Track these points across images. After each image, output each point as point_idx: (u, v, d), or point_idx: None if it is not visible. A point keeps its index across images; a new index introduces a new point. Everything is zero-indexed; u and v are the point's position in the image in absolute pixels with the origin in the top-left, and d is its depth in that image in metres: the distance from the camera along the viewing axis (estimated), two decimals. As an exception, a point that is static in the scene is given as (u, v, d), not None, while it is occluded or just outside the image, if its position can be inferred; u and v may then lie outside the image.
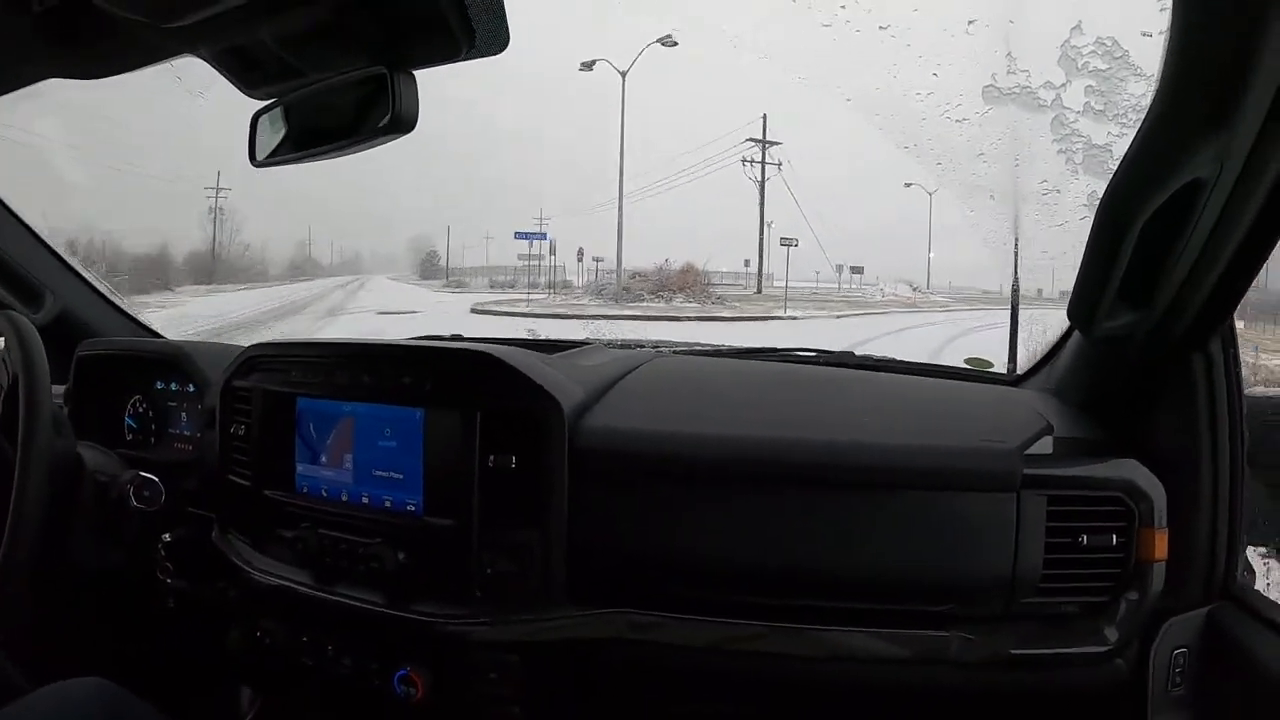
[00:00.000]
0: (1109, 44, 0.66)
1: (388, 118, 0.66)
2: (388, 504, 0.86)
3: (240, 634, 0.94)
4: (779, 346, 1.20)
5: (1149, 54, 0.58)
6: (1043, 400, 0.92)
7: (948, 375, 1.09)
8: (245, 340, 1.13)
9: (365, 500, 0.88)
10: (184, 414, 1.21)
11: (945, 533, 0.76)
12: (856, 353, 1.17)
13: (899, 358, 1.15)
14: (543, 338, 1.41)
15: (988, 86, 0.80)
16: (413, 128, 0.67)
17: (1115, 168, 0.65)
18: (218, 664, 0.98)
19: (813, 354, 1.17)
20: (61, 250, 1.32)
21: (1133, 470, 0.77)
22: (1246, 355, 0.83)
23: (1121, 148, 0.64)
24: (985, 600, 0.76)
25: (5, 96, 0.90)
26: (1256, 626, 0.74)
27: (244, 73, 0.73)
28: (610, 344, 1.20)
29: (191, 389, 1.18)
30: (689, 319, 11.51)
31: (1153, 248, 0.66)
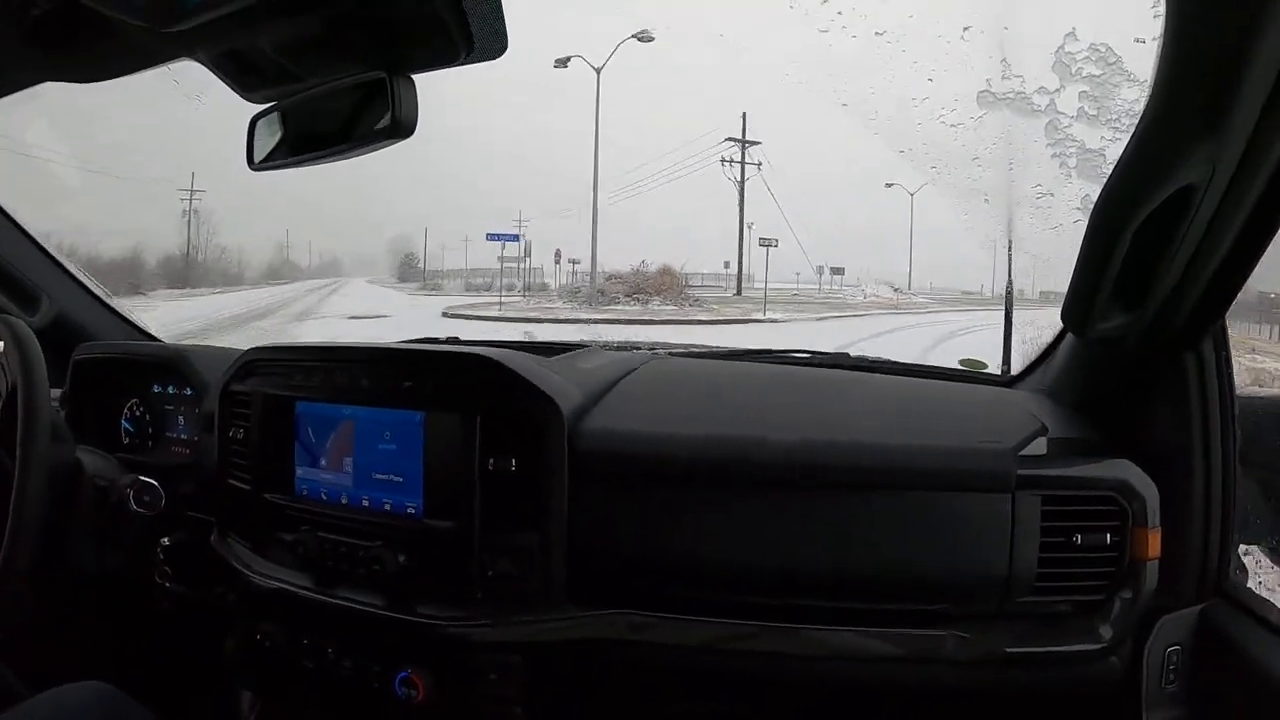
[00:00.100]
0: (1102, 50, 0.67)
1: (387, 122, 0.66)
2: (388, 507, 0.86)
3: (237, 640, 0.94)
4: (774, 348, 1.21)
5: (1142, 60, 0.59)
6: (1037, 401, 0.92)
7: (942, 376, 1.10)
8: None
9: (365, 503, 0.88)
10: (181, 417, 1.20)
11: (941, 533, 0.77)
12: (850, 354, 1.18)
13: (891, 359, 1.16)
14: (539, 340, 1.42)
15: (983, 91, 0.81)
16: (412, 132, 0.67)
17: (1108, 171, 0.66)
18: (217, 667, 0.98)
19: (808, 355, 1.18)
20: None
21: (1126, 470, 0.77)
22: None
23: (1114, 152, 0.65)
24: (981, 599, 0.77)
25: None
26: (1249, 623, 0.75)
27: (242, 77, 0.73)
28: (607, 346, 1.21)
29: (189, 392, 1.17)
30: (663, 322, 11.28)
31: (1146, 251, 0.67)
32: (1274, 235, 0.60)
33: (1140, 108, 0.60)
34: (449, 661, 0.82)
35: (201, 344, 1.32)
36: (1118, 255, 0.69)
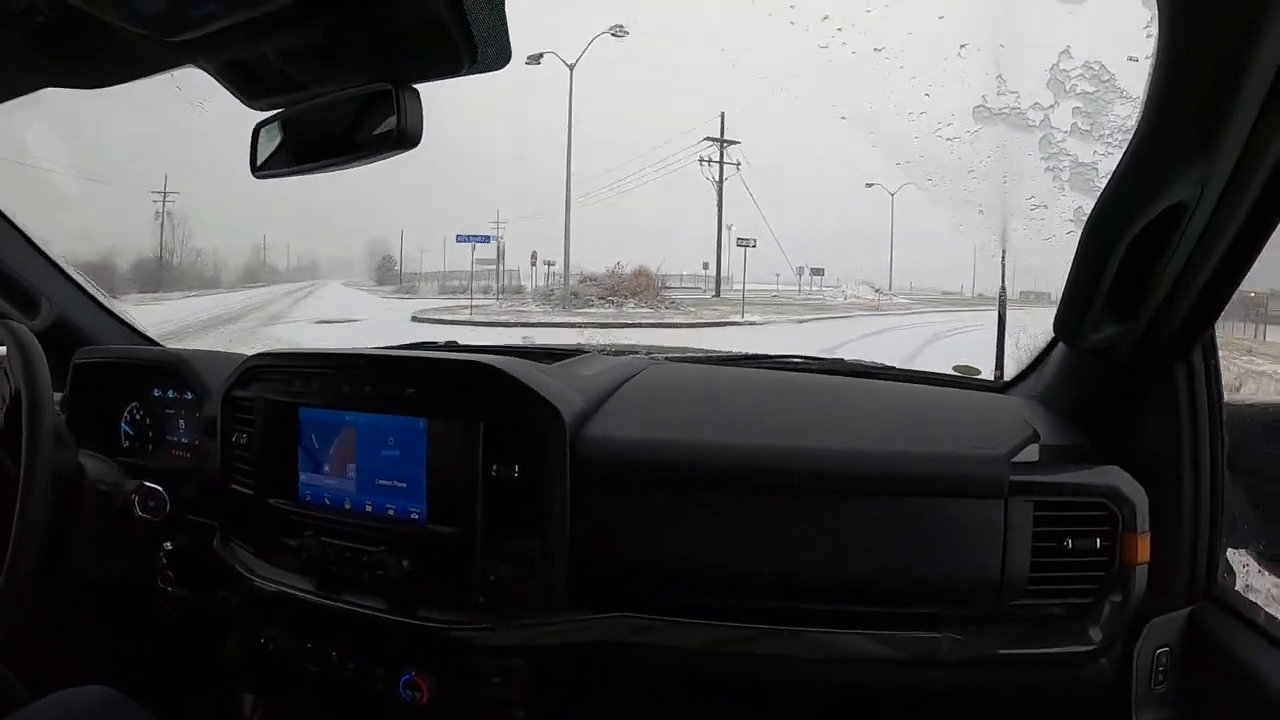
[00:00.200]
0: (1096, 68, 0.68)
1: (393, 132, 0.66)
2: (391, 512, 0.87)
3: (238, 644, 0.94)
4: (771, 353, 1.22)
5: (1134, 78, 0.60)
6: (1029, 407, 0.94)
7: (937, 382, 1.12)
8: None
9: (369, 508, 0.89)
10: (181, 421, 1.20)
11: (936, 537, 0.78)
12: (846, 359, 1.20)
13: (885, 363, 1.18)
14: (538, 345, 1.42)
15: (978, 107, 0.82)
16: (418, 142, 0.67)
17: (1101, 185, 0.67)
18: (219, 670, 0.99)
19: (805, 361, 1.20)
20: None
21: (1116, 476, 0.79)
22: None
23: (1107, 166, 0.66)
24: (974, 602, 0.78)
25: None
26: (1237, 626, 0.77)
27: (246, 85, 0.73)
28: (604, 351, 1.22)
29: (190, 397, 1.17)
30: (636, 325, 10.87)
31: (1138, 264, 0.68)
32: (1263, 247, 0.62)
33: (1132, 124, 0.61)
34: (451, 665, 0.83)
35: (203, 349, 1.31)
36: (1110, 268, 0.70)
